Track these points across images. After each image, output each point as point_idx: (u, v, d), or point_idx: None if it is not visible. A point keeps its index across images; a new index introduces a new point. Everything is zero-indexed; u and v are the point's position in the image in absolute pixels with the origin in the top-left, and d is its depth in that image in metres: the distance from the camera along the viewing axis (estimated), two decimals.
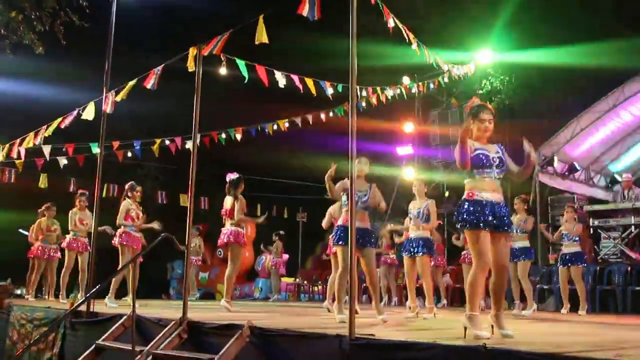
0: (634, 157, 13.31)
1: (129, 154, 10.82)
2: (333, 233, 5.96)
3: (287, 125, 10.34)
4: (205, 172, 9.34)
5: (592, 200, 12.27)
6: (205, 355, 4.34)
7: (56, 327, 6.12)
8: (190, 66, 5.57)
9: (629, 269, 9.03)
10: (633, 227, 9.75)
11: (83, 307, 6.07)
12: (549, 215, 11.93)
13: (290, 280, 14.84)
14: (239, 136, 10.40)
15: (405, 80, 11.47)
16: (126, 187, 8.39)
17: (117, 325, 5.33)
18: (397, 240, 10.04)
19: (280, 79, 7.22)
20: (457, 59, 10.89)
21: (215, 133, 10.41)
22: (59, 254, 9.77)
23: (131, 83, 6.37)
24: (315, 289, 13.98)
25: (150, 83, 6.04)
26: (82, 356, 5.07)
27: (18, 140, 8.60)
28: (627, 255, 9.56)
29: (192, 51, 5.56)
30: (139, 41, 16.13)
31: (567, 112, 12.34)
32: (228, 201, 7.45)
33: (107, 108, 6.72)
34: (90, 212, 8.57)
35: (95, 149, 9.03)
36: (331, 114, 10.22)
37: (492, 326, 3.99)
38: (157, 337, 4.77)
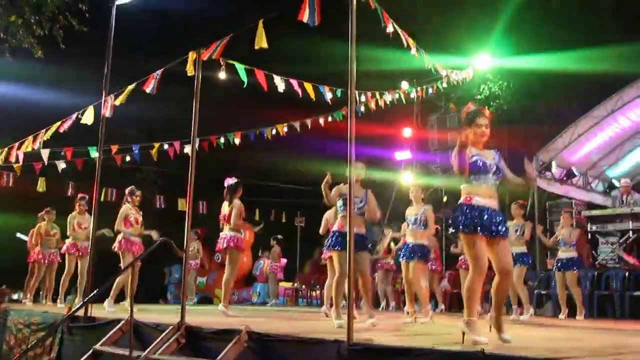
0: (631, 162, 13.34)
1: (128, 158, 10.81)
2: (328, 238, 5.97)
3: (285, 129, 10.35)
4: (204, 176, 9.34)
5: (590, 206, 12.29)
6: None
7: (53, 332, 6.11)
8: (190, 70, 5.59)
9: (627, 274, 9.04)
10: (631, 232, 9.77)
11: (81, 312, 6.05)
12: (547, 221, 11.95)
13: (288, 284, 14.83)
14: (237, 141, 10.41)
15: (404, 85, 11.50)
16: (126, 191, 8.39)
17: (114, 330, 5.32)
18: (393, 246, 10.07)
19: (280, 83, 7.23)
20: (456, 64, 10.92)
21: (214, 137, 10.42)
22: (58, 258, 9.76)
23: (130, 87, 6.39)
24: (314, 293, 13.97)
25: (149, 87, 6.05)
26: None
27: (16, 144, 8.60)
28: (625, 261, 9.57)
29: (192, 55, 5.58)
30: (139, 45, 16.15)
31: (565, 118, 12.36)
32: (226, 206, 7.46)
33: (106, 112, 6.73)
34: (90, 216, 8.57)
35: (94, 153, 9.03)
36: (330, 118, 10.23)
37: (490, 327, 3.99)
38: (155, 342, 4.77)
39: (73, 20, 9.76)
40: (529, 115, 14.38)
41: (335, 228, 5.85)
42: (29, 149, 8.26)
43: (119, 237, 8.07)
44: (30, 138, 8.08)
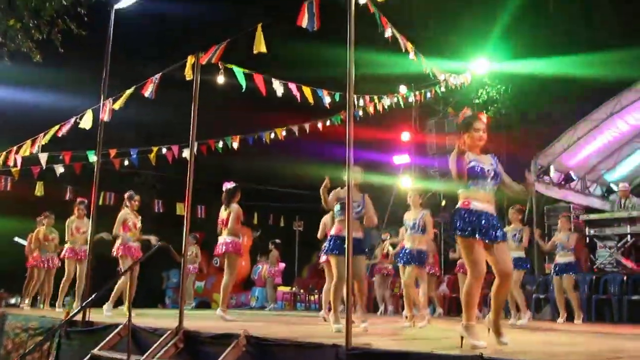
0: (630, 166, 13.36)
1: (126, 162, 10.81)
2: (326, 242, 5.97)
3: (284, 133, 10.35)
4: (203, 180, 9.35)
5: (589, 210, 12.30)
6: None
7: (51, 336, 6.09)
8: (188, 75, 5.60)
9: (625, 278, 9.04)
10: (629, 236, 9.77)
11: (79, 317, 6.04)
12: (545, 225, 11.96)
13: (287, 289, 14.81)
14: (236, 145, 10.40)
15: (402, 89, 11.52)
16: (125, 196, 8.39)
17: (112, 334, 5.31)
18: (391, 250, 10.07)
19: (278, 87, 7.24)
20: (454, 68, 10.95)
21: (212, 141, 10.42)
22: (57, 263, 9.75)
23: (129, 91, 6.39)
24: (312, 298, 13.95)
25: (148, 91, 6.05)
26: None
27: (15, 148, 8.59)
28: (623, 265, 9.58)
29: (190, 60, 5.59)
30: (137, 49, 16.17)
31: (563, 122, 12.39)
32: (224, 210, 7.46)
33: (105, 116, 6.73)
34: (88, 220, 8.56)
35: (92, 157, 9.02)
36: (328, 122, 10.24)
37: (489, 329, 3.99)
38: (153, 347, 4.75)
39: (72, 24, 9.76)
40: (527, 120, 14.43)
41: (332, 232, 5.86)
42: (27, 153, 8.25)
43: (118, 242, 8.07)
44: (29, 142, 8.07)
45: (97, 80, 7.04)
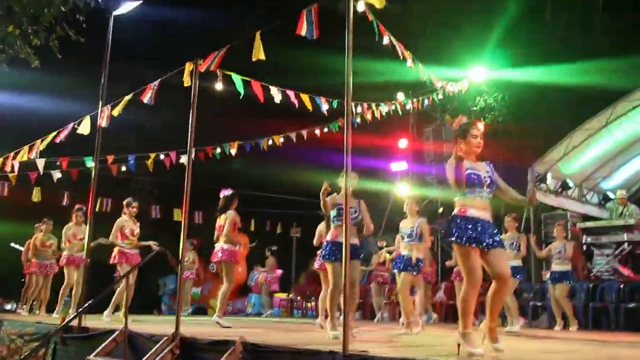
0: (625, 174, 13.40)
1: (123, 168, 10.80)
2: (322, 248, 5.97)
3: (282, 140, 10.37)
4: (200, 186, 9.33)
5: (585, 217, 12.33)
6: None
7: (47, 343, 6.07)
8: (186, 81, 5.61)
9: (622, 286, 9.06)
10: (626, 244, 9.79)
11: (75, 322, 6.02)
12: (542, 232, 11.97)
13: (284, 295, 14.78)
14: (233, 151, 10.42)
15: (400, 96, 11.56)
16: (124, 203, 8.40)
17: (109, 340, 5.30)
18: (387, 257, 10.07)
19: (276, 94, 7.26)
20: (451, 76, 10.98)
21: (210, 148, 10.43)
22: (55, 269, 9.73)
23: (127, 97, 6.40)
24: (309, 304, 13.92)
25: (147, 97, 6.07)
26: None
27: (12, 154, 8.59)
28: (620, 273, 9.60)
29: (189, 66, 5.60)
30: (136, 55, 16.17)
31: (560, 130, 12.42)
32: (222, 217, 7.47)
33: (103, 122, 6.74)
34: (86, 227, 8.56)
35: (90, 163, 9.02)
36: (326, 129, 10.26)
37: (484, 337, 3.99)
38: (150, 353, 4.75)
39: (70, 30, 9.77)
40: (524, 127, 14.46)
41: (328, 238, 5.85)
42: (25, 159, 8.25)
43: (115, 249, 8.06)
44: (26, 148, 8.07)
45: (96, 86, 7.05)
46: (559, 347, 5.45)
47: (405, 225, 7.02)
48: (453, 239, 4.01)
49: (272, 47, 5.18)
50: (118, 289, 7.73)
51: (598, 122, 11.65)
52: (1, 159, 8.92)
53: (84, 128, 6.91)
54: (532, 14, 15.04)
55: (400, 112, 10.56)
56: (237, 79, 6.17)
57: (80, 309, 5.92)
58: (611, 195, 12.46)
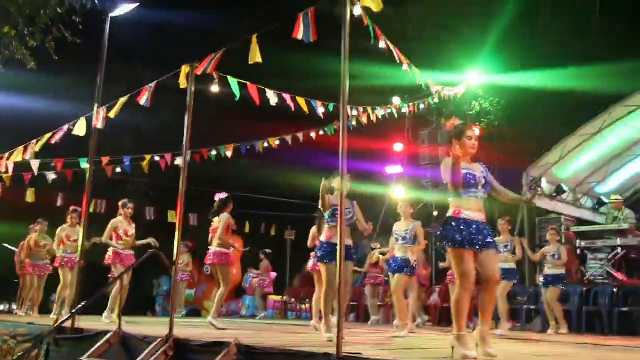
0: (620, 179, 13.45)
1: (118, 170, 10.78)
2: (316, 250, 5.97)
3: (277, 143, 10.38)
4: (195, 188, 9.34)
5: (580, 222, 12.37)
6: None
7: (39, 344, 6.04)
8: (183, 84, 5.61)
9: (615, 290, 9.08)
10: (619, 248, 9.83)
11: (68, 324, 6.01)
12: (537, 236, 12.01)
13: (278, 298, 14.78)
14: (229, 153, 10.42)
15: (396, 100, 11.59)
16: (119, 204, 8.40)
17: (102, 342, 5.29)
18: (381, 258, 10.08)
19: (272, 97, 7.27)
20: (447, 80, 11.02)
21: (205, 150, 10.43)
22: (50, 270, 9.71)
23: (123, 100, 6.40)
24: (303, 307, 13.92)
25: (143, 100, 6.07)
26: None
27: (6, 155, 8.57)
28: (614, 277, 9.63)
29: (185, 69, 5.61)
30: (133, 57, 16.17)
31: (555, 134, 12.47)
32: (217, 219, 7.48)
33: (98, 124, 6.73)
34: (81, 228, 8.55)
35: (85, 164, 9.00)
36: (322, 132, 10.28)
37: (477, 345, 3.99)
38: (143, 355, 4.74)
39: (66, 32, 9.76)
40: (520, 132, 14.51)
41: (322, 238, 5.86)
42: (19, 159, 8.23)
43: (110, 251, 8.06)
44: (21, 148, 8.05)
45: (92, 87, 7.05)
46: (553, 350, 5.46)
47: (400, 228, 7.04)
48: (447, 242, 4.02)
49: (268, 50, 5.19)
50: (113, 290, 7.72)
51: (593, 127, 11.70)
52: None
53: (80, 129, 6.90)
54: (527, 19, 15.12)
55: (396, 116, 10.59)
56: (233, 81, 6.18)
57: (74, 310, 5.91)
58: (606, 200, 12.51)
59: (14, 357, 6.31)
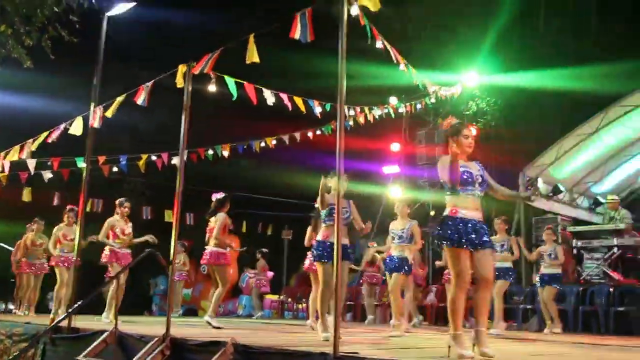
0: (616, 179, 13.49)
1: (115, 169, 10.77)
2: (313, 249, 5.97)
3: (274, 142, 10.38)
4: (192, 188, 9.34)
5: (576, 222, 12.40)
6: None
7: (36, 343, 6.03)
8: (179, 83, 5.61)
9: (612, 289, 9.11)
10: (615, 248, 9.86)
11: (64, 323, 6.00)
12: (533, 236, 12.02)
13: (275, 297, 14.78)
14: (226, 153, 10.41)
15: (393, 100, 11.59)
16: (116, 202, 8.40)
17: (98, 341, 5.28)
18: (378, 257, 10.09)
19: (269, 97, 7.27)
20: (444, 80, 11.03)
21: (202, 149, 10.42)
22: (46, 269, 9.69)
23: (119, 99, 6.39)
24: (300, 306, 13.92)
25: (140, 99, 6.06)
26: None
27: (2, 154, 8.54)
28: (610, 277, 9.65)
29: (182, 68, 5.60)
30: (130, 56, 16.14)
31: (552, 134, 12.50)
32: (213, 219, 7.49)
33: (95, 123, 6.72)
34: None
35: (81, 164, 8.99)
36: (319, 132, 10.28)
37: (474, 345, 4.00)
38: (140, 354, 4.74)
39: (63, 31, 9.74)
40: (516, 132, 14.54)
41: (319, 238, 5.87)
42: (15, 158, 8.21)
43: (106, 249, 8.05)
44: (17, 147, 8.04)
45: (89, 86, 7.03)
46: (549, 350, 5.48)
47: (396, 227, 7.05)
48: (443, 241, 4.03)
49: (266, 49, 5.19)
50: (110, 290, 7.72)
51: (589, 127, 11.72)
52: None
53: (76, 129, 6.89)
54: (524, 20, 15.14)
55: (393, 116, 10.60)
56: (230, 81, 6.18)
57: (70, 310, 5.90)
58: (602, 200, 12.54)
59: (10, 357, 6.31)
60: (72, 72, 12.87)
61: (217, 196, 7.57)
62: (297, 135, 10.30)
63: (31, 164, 8.91)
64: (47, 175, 9.93)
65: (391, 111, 10.43)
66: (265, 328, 8.26)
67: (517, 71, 13.30)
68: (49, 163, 9.76)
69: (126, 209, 8.30)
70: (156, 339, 4.86)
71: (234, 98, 6.23)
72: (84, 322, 6.38)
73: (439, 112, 14.89)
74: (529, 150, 12.80)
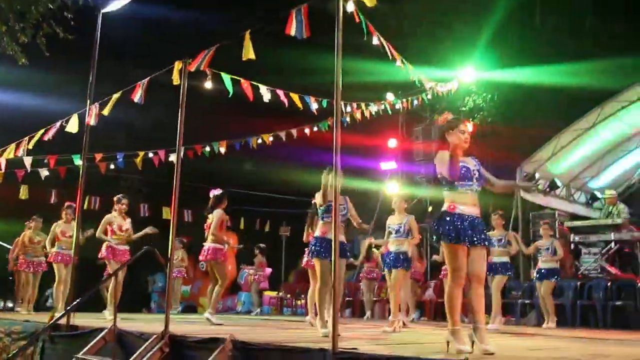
0: (613, 174, 13.53)
1: (112, 166, 10.74)
2: (310, 245, 5.98)
3: (271, 139, 10.36)
4: (189, 184, 9.32)
5: (573, 217, 12.43)
6: None
7: (35, 341, 6.03)
8: (175, 80, 5.60)
9: (609, 284, 9.15)
10: (613, 242, 9.89)
11: (63, 321, 5.99)
12: (531, 231, 12.06)
13: (274, 294, 14.79)
14: (223, 149, 10.40)
15: (389, 96, 11.59)
16: (114, 199, 8.40)
17: (97, 339, 5.28)
18: (376, 252, 10.09)
19: (265, 93, 7.26)
20: (441, 76, 11.04)
21: (199, 146, 10.41)
22: (44, 266, 9.68)
23: (115, 96, 6.37)
24: (299, 302, 13.94)
25: (137, 96, 6.04)
26: None
27: None
28: (607, 271, 9.69)
29: (177, 65, 5.59)
30: (125, 52, 16.09)
31: (549, 130, 12.52)
32: (211, 216, 7.49)
33: (91, 120, 6.70)
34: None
35: (78, 161, 8.97)
36: (315, 128, 10.27)
37: (473, 342, 3.99)
38: (139, 351, 4.74)
39: (58, 28, 9.70)
40: (513, 127, 14.54)
41: (317, 234, 5.87)
42: (12, 156, 8.18)
43: (104, 246, 8.04)
44: (13, 145, 8.01)
45: (84, 83, 7.00)
46: (547, 344, 5.49)
47: (393, 222, 7.05)
48: (441, 236, 4.03)
49: (262, 46, 5.18)
50: (109, 287, 7.71)
51: (586, 122, 11.76)
52: None
53: (72, 126, 6.87)
54: (521, 15, 15.13)
55: (389, 112, 10.60)
56: (226, 78, 6.16)
57: (69, 307, 5.89)
58: (599, 195, 12.58)
59: (9, 355, 6.30)
60: (67, 69, 12.82)
61: (214, 193, 7.57)
62: (294, 131, 10.29)
63: (27, 161, 8.87)
64: (44, 172, 9.89)
65: (388, 107, 10.43)
66: (264, 324, 8.27)
67: (514, 67, 13.31)
68: (45, 160, 9.73)
69: (124, 206, 8.30)
70: (155, 336, 4.86)
71: (230, 95, 6.22)
72: (82, 320, 6.38)
73: (436, 108, 14.89)
74: (526, 145, 12.82)
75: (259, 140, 10.38)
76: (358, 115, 9.93)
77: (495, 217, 8.30)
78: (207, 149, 10.43)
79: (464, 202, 4.07)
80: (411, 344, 5.03)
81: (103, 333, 5.30)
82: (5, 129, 10.52)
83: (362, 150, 14.57)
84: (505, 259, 8.14)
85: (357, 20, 5.68)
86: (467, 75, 11.97)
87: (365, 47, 6.41)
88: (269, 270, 13.84)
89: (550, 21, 14.92)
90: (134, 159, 10.33)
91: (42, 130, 7.35)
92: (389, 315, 7.65)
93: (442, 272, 9.30)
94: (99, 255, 8.07)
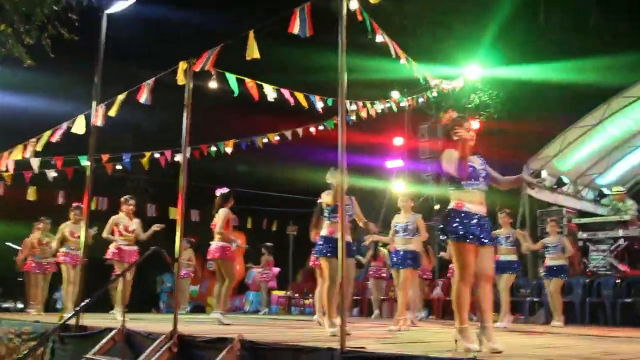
0: (620, 171, 13.45)
1: (119, 167, 10.78)
2: (317, 244, 5.97)
3: (277, 138, 10.37)
4: (196, 184, 9.33)
5: (581, 213, 12.38)
6: None
7: (45, 341, 6.06)
8: (180, 80, 5.60)
9: (618, 281, 9.10)
10: (622, 239, 9.84)
11: (72, 321, 6.02)
12: (538, 229, 12.01)
13: (282, 293, 14.80)
14: (229, 149, 10.41)
15: (394, 94, 11.56)
16: (121, 200, 8.43)
17: (106, 339, 5.29)
18: (383, 251, 10.06)
19: (270, 92, 7.26)
20: (446, 74, 11.00)
21: (205, 146, 10.42)
22: (54, 268, 9.73)
23: (121, 97, 6.39)
24: (307, 302, 13.94)
25: (143, 97, 6.06)
26: None
27: (6, 153, 8.56)
28: (616, 268, 9.64)
29: (182, 65, 5.59)
30: (130, 53, 16.14)
31: (555, 127, 12.47)
32: (217, 215, 7.50)
33: (97, 121, 6.72)
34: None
35: (85, 162, 9.01)
36: (321, 127, 10.27)
37: (480, 341, 3.97)
38: (147, 351, 4.75)
39: (62, 29, 9.73)
40: (519, 124, 14.49)
41: (324, 233, 5.86)
42: (19, 157, 8.22)
43: (111, 246, 8.07)
44: (20, 147, 8.04)
45: (90, 84, 7.03)
46: (556, 342, 5.47)
47: (400, 221, 7.03)
48: (448, 234, 4.02)
49: (266, 45, 5.18)
50: (118, 288, 7.73)
51: (593, 119, 11.70)
52: None
53: (79, 127, 6.89)
54: (526, 13, 15.08)
55: (395, 110, 10.58)
56: (231, 78, 6.17)
57: (78, 308, 5.91)
58: (607, 191, 12.51)
59: (20, 356, 6.34)
60: (72, 70, 12.87)
61: (220, 191, 7.57)
62: (300, 130, 10.29)
63: (35, 163, 8.92)
64: (51, 174, 9.94)
65: (393, 105, 10.41)
66: (272, 324, 8.27)
67: (520, 64, 13.27)
68: (52, 162, 9.78)
69: (131, 207, 8.33)
70: (164, 336, 4.87)
71: (235, 94, 6.22)
72: (91, 320, 6.40)
73: (441, 106, 14.84)
74: (533, 142, 12.77)
75: (265, 140, 10.39)
76: (363, 114, 9.92)
77: (502, 215, 8.26)
78: (213, 148, 10.45)
79: (471, 201, 4.06)
80: (419, 342, 5.02)
81: (112, 333, 5.32)
82: (12, 131, 10.57)
83: (368, 148, 14.55)
84: (513, 257, 8.11)
85: (360, 18, 5.67)
86: (473, 72, 11.92)
87: (369, 45, 6.39)
88: (277, 269, 13.85)
89: (555, 19, 14.86)
90: (140, 159, 10.36)
91: (49, 132, 7.38)
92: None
93: (450, 270, 9.27)
94: (106, 256, 8.09)
